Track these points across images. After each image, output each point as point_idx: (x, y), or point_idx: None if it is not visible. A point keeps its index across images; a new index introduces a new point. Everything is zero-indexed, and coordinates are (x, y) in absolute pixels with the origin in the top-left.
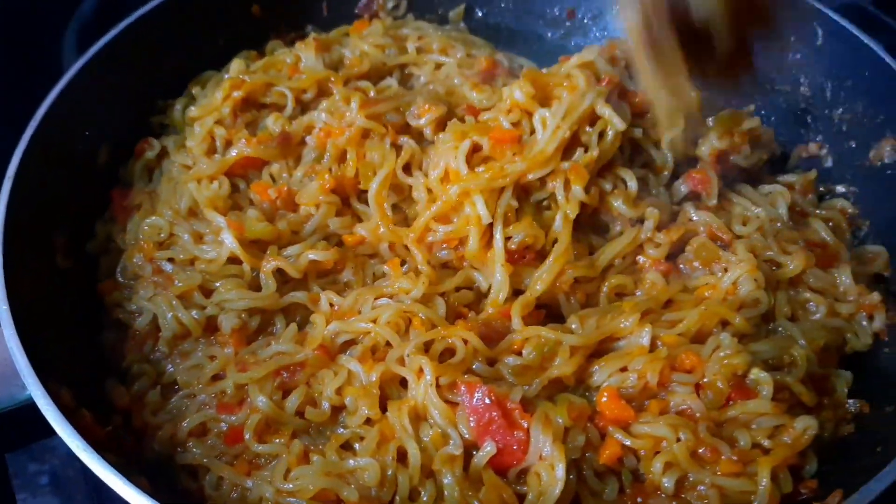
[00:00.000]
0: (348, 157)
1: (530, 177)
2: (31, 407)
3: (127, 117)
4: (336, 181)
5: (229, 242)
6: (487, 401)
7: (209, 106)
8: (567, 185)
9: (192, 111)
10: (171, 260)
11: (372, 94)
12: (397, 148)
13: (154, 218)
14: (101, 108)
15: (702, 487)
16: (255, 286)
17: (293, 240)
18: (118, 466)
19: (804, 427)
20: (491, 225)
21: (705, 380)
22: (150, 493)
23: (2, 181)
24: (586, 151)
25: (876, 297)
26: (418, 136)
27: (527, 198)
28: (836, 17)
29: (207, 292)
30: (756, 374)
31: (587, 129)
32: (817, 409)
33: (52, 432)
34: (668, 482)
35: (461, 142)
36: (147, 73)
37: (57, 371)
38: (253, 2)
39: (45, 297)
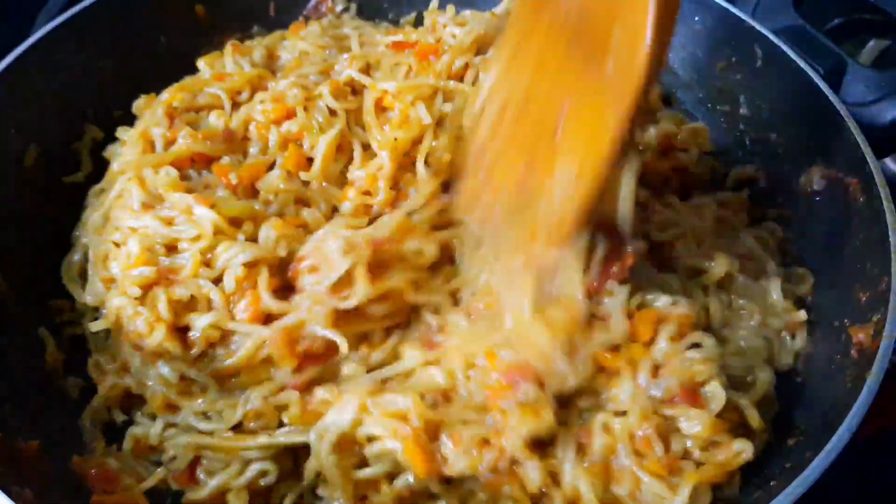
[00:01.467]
0: (297, 115)
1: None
2: None
3: (60, 119)
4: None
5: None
6: None
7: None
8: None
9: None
10: None
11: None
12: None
13: None
14: (32, 107)
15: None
16: None
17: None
18: None
19: (741, 450)
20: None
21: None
22: None
23: None
24: None
25: (802, 314)
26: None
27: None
28: (775, 39)
29: None
30: (714, 387)
31: None
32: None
33: None
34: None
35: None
36: (84, 73)
37: None
38: (196, 2)
39: None
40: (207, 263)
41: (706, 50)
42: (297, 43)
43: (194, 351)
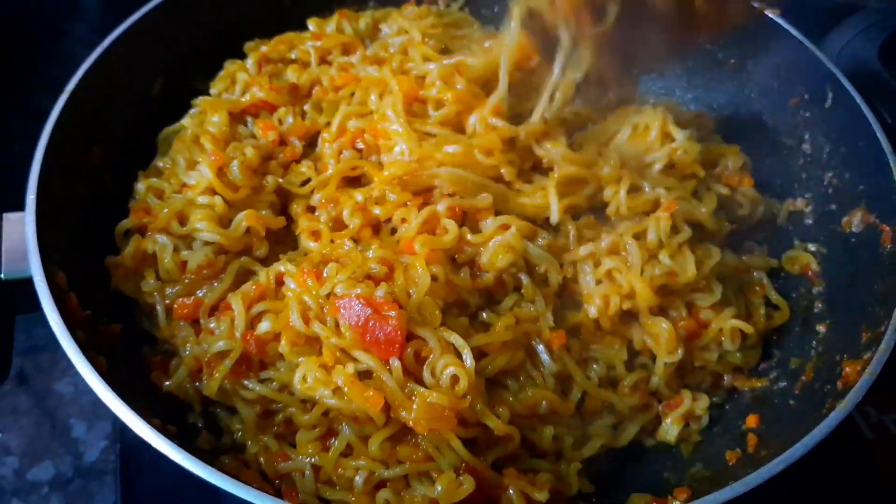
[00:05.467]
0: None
1: None
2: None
3: (183, 59)
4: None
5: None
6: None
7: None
8: None
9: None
10: None
11: None
12: None
13: None
14: (162, 46)
15: None
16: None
17: None
18: (81, 342)
19: None
20: None
21: None
22: (105, 371)
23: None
24: None
25: None
26: None
27: None
28: (845, 82)
29: None
30: None
31: None
32: None
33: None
34: None
35: None
36: (208, 24)
37: (60, 256)
38: None
39: (72, 197)
40: (182, 220)
41: (783, 83)
42: (399, 19)
43: None
